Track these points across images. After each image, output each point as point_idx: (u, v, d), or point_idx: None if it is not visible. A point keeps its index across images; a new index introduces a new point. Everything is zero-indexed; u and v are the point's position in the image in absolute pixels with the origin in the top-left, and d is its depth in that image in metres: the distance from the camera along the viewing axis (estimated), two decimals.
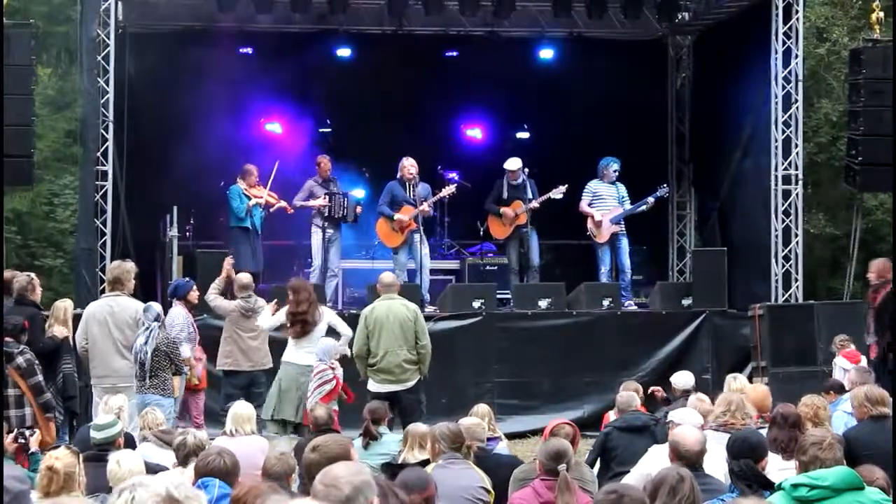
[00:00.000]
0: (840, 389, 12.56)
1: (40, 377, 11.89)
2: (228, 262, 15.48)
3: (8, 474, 5.72)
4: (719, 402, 9.66)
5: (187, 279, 15.02)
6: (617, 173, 18.73)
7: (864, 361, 15.29)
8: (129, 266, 13.47)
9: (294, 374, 13.53)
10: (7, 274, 13.45)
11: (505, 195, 18.93)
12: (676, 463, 7.39)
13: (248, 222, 17.80)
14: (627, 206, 18.65)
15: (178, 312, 14.12)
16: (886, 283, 14.69)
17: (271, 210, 18.13)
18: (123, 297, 13.11)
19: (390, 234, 18.30)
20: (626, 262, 18.71)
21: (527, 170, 19.01)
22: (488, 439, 10.45)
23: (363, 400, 13.24)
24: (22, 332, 12.10)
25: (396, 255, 18.31)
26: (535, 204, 18.60)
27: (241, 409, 10.85)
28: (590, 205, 18.72)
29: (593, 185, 18.79)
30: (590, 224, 18.71)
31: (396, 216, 18.01)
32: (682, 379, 13.04)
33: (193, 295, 14.40)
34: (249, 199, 17.78)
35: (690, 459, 7.47)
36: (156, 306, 12.97)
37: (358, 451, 10.28)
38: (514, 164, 18.90)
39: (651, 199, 18.77)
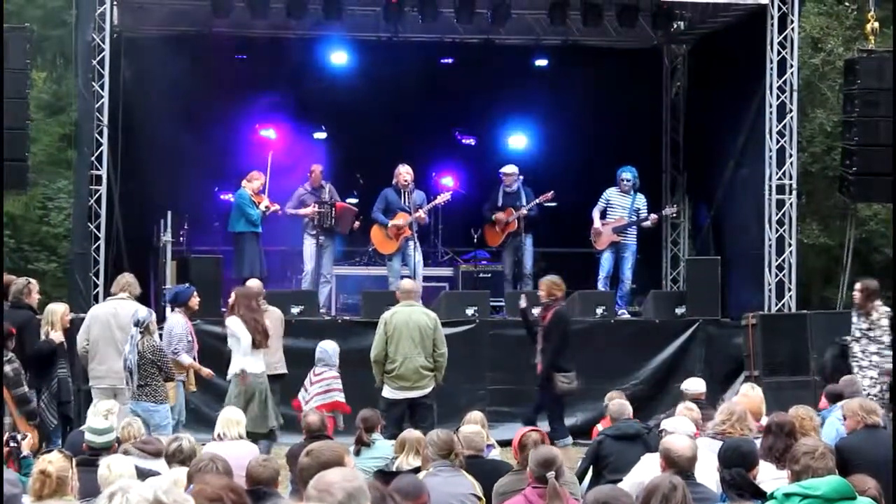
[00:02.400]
0: (835, 398, 12.53)
1: (25, 388, 11.89)
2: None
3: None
4: (721, 410, 9.66)
5: (188, 285, 14.79)
6: (629, 182, 18.72)
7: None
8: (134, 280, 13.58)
9: (261, 385, 13.47)
10: (5, 278, 13.45)
11: (500, 202, 19.02)
12: (668, 470, 7.38)
13: (261, 227, 17.79)
14: (641, 216, 18.70)
15: (178, 321, 13.94)
16: (556, 302, 14.59)
17: (267, 214, 18.12)
18: (129, 301, 13.11)
19: (384, 241, 18.31)
20: (628, 273, 18.75)
21: (521, 177, 19.05)
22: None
23: (361, 406, 13.36)
24: (8, 338, 12.08)
25: (391, 262, 18.34)
26: (523, 211, 18.65)
27: (229, 414, 10.82)
28: (603, 212, 18.78)
29: (608, 193, 18.83)
30: (592, 230, 18.78)
31: (391, 223, 18.03)
32: (694, 385, 13.07)
33: (195, 301, 14.22)
34: (258, 204, 17.77)
35: (682, 466, 7.46)
36: (141, 311, 12.78)
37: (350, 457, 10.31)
38: (510, 168, 19.00)
39: (654, 216, 18.81)
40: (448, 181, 20.46)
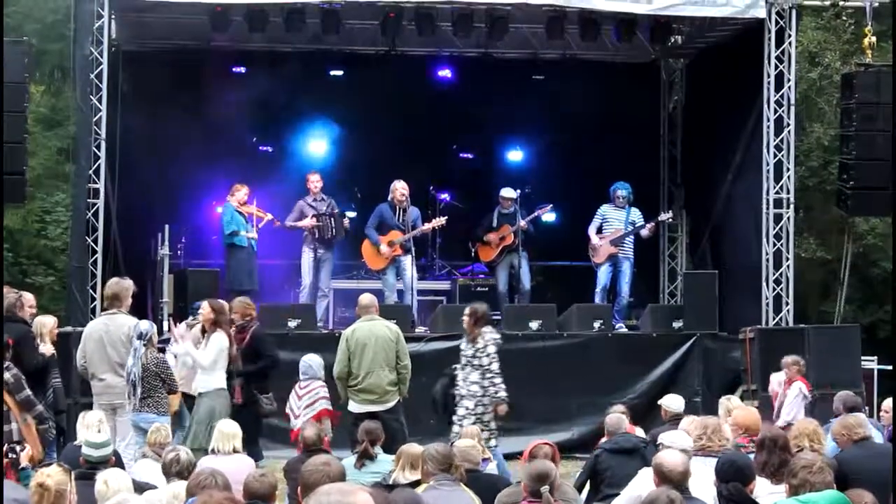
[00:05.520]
0: (849, 410, 12.47)
1: (29, 391, 11.86)
2: None
3: (9, 496, 5.69)
4: (696, 426, 9.65)
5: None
6: (624, 199, 18.79)
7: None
8: (128, 283, 13.40)
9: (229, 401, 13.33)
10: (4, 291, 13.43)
11: (495, 224, 19.04)
12: (661, 485, 7.38)
13: (244, 240, 17.77)
14: (638, 225, 18.74)
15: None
16: (252, 322, 14.33)
17: (259, 225, 18.13)
18: (120, 314, 13.06)
19: (374, 258, 18.33)
20: (625, 287, 18.79)
21: (519, 191, 19.04)
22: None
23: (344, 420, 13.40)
24: (6, 349, 12.07)
25: (385, 276, 18.34)
26: (523, 223, 18.66)
27: (225, 428, 10.80)
28: (599, 228, 18.81)
29: (603, 209, 18.91)
30: (589, 246, 18.81)
31: (382, 248, 18.05)
32: (674, 402, 13.02)
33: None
34: (243, 215, 17.77)
35: (674, 480, 7.45)
36: (143, 325, 12.77)
37: (350, 470, 10.29)
38: (509, 192, 18.99)
39: (651, 224, 18.86)
40: (445, 196, 20.46)
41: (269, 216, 18.15)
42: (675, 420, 11.97)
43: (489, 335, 13.96)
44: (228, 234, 17.85)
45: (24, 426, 11.63)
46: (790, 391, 15.16)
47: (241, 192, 17.99)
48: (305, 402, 13.59)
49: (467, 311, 14.26)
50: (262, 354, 13.98)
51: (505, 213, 19.09)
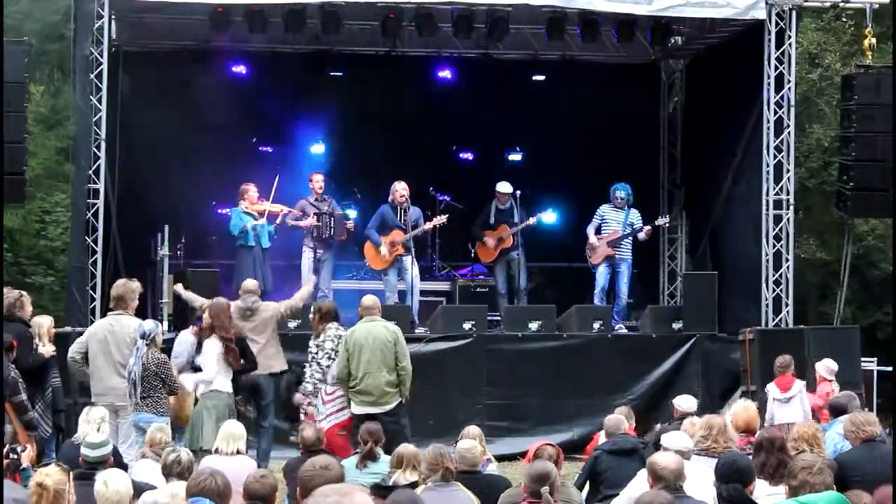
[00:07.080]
0: (838, 412, 12.49)
1: (24, 396, 11.87)
2: (179, 287, 15.72)
3: (8, 496, 5.68)
4: (700, 426, 9.64)
5: None
6: (623, 200, 18.77)
7: (797, 387, 15.29)
8: (134, 286, 13.42)
9: (228, 403, 13.29)
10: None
11: (492, 220, 19.06)
12: (655, 485, 7.39)
13: (251, 240, 17.76)
14: (636, 228, 18.73)
15: (185, 339, 14.03)
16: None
17: (278, 221, 18.12)
18: (125, 315, 13.07)
19: (376, 258, 18.33)
20: (624, 289, 18.78)
21: (518, 192, 19.07)
22: None
23: None
24: (9, 350, 12.08)
25: (386, 277, 18.35)
26: (531, 220, 18.70)
27: (231, 428, 10.79)
28: (597, 228, 18.81)
29: (602, 210, 18.91)
30: (587, 246, 18.81)
31: (384, 240, 18.05)
32: (685, 402, 13.06)
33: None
34: (254, 216, 17.77)
35: (668, 480, 7.44)
36: (146, 325, 12.77)
37: (351, 470, 10.29)
38: (505, 187, 19.00)
39: (648, 227, 18.84)
40: (445, 197, 20.46)
41: (285, 209, 18.16)
42: (684, 419, 11.99)
43: (332, 331, 13.92)
44: (237, 235, 17.85)
45: (19, 428, 11.65)
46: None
47: (250, 191, 17.98)
48: (330, 409, 13.63)
49: (313, 308, 14.37)
50: (247, 358, 13.82)
51: (501, 208, 19.08)
